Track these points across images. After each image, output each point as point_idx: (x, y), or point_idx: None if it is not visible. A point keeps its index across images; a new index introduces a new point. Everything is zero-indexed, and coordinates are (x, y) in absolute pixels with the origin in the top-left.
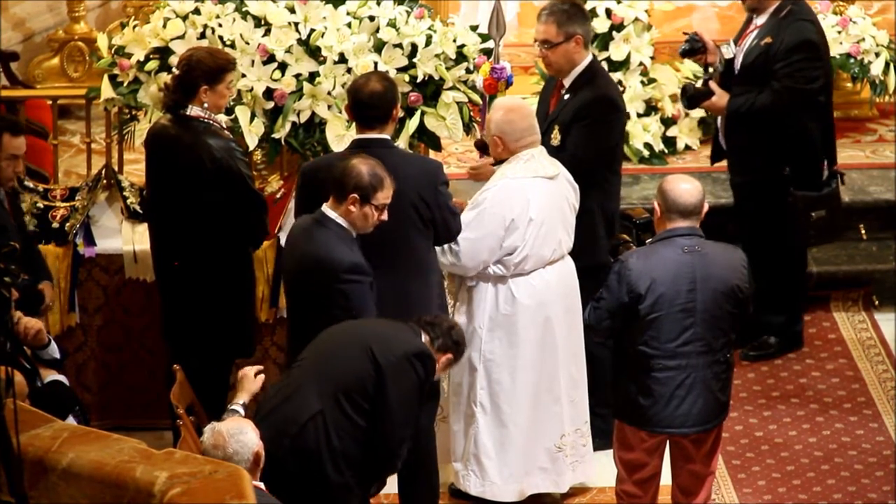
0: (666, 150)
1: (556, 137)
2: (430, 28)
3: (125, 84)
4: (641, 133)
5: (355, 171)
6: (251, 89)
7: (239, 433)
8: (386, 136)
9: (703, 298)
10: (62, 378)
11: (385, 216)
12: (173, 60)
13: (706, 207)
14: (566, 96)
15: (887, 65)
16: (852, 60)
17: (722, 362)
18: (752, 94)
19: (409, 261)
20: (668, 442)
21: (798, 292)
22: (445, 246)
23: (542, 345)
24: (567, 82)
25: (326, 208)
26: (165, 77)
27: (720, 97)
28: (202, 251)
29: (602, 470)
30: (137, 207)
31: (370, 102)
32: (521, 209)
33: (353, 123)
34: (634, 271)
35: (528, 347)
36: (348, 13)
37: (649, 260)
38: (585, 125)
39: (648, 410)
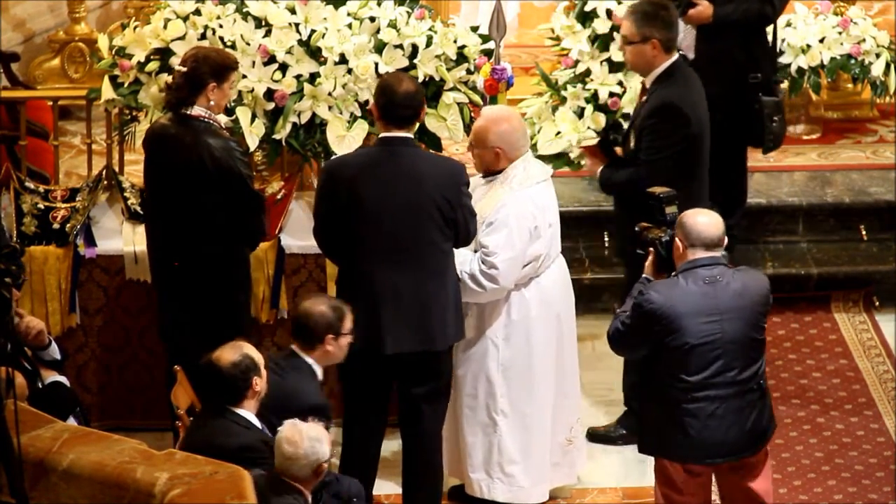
0: None
1: (632, 141)
2: (430, 29)
3: (126, 85)
4: None
5: (317, 312)
6: (252, 90)
7: (317, 440)
8: (410, 135)
9: (729, 329)
10: (63, 379)
11: (350, 339)
12: (174, 61)
13: (726, 241)
14: (644, 98)
15: (888, 65)
16: (853, 61)
17: (755, 390)
18: (742, 2)
19: (429, 261)
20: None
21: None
22: (478, 274)
23: (556, 343)
24: (648, 83)
25: (298, 350)
26: (166, 78)
27: (706, 7)
28: (200, 251)
29: (602, 471)
30: (138, 208)
31: (404, 102)
32: (541, 217)
33: (358, 121)
34: (656, 305)
35: (543, 348)
36: (349, 14)
37: (672, 293)
38: (647, 134)
39: (682, 443)
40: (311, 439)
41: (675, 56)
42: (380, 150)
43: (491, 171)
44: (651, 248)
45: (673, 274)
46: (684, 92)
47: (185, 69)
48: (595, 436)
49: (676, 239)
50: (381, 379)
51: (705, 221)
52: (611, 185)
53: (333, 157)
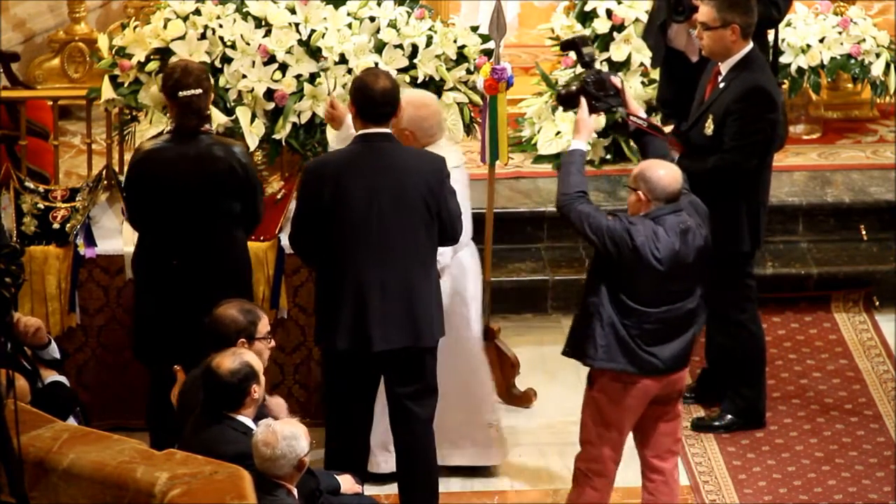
0: None
1: (709, 126)
2: (430, 29)
3: (126, 85)
4: None
5: (228, 317)
6: (252, 90)
7: (292, 438)
8: (388, 130)
9: (691, 277)
10: (63, 379)
11: (273, 343)
12: (174, 61)
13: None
14: (721, 84)
15: (888, 65)
16: (853, 61)
17: (701, 306)
18: None
19: (415, 256)
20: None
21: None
22: None
23: (465, 325)
24: (723, 70)
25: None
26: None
27: None
28: (203, 252)
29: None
30: None
31: (383, 100)
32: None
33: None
34: (639, 239)
35: (452, 328)
36: (349, 14)
37: (655, 236)
38: (736, 119)
39: (634, 353)
40: (286, 438)
41: (752, 43)
42: (360, 146)
43: None
44: (581, 98)
45: (643, 215)
46: (768, 78)
47: (199, 91)
48: (700, 426)
49: (639, 192)
50: (368, 378)
51: (667, 174)
52: (693, 175)
53: (312, 158)
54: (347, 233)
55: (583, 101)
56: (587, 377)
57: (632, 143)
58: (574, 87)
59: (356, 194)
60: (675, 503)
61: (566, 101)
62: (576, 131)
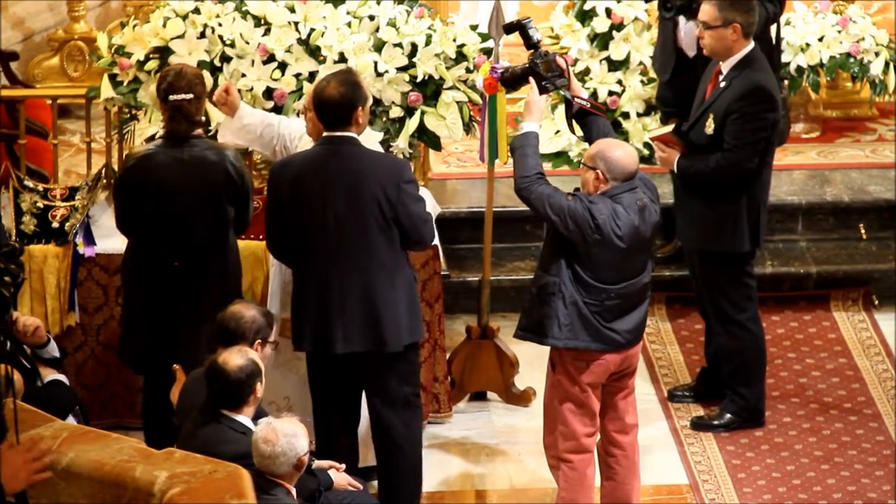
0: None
1: (709, 126)
2: (430, 27)
3: (125, 83)
4: (641, 133)
5: (248, 316)
6: (251, 89)
7: (292, 435)
8: (352, 134)
9: (647, 237)
10: (62, 377)
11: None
12: (173, 60)
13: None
14: (722, 84)
15: (887, 64)
16: (852, 60)
17: (649, 280)
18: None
19: (375, 260)
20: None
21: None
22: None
23: None
24: (724, 69)
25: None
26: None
27: None
28: (200, 256)
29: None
30: None
31: (335, 107)
32: None
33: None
34: (601, 218)
35: None
36: (348, 13)
37: (615, 214)
38: (737, 118)
39: (597, 330)
40: (286, 436)
41: (753, 43)
42: (322, 149)
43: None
44: (530, 77)
45: (601, 193)
46: (769, 77)
47: (190, 96)
48: (699, 424)
49: (597, 171)
50: (344, 379)
51: (624, 154)
52: (694, 175)
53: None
54: (306, 234)
55: (533, 82)
56: (549, 361)
57: (632, 143)
58: (520, 69)
59: (312, 196)
60: (636, 478)
61: (512, 81)
62: (527, 112)
